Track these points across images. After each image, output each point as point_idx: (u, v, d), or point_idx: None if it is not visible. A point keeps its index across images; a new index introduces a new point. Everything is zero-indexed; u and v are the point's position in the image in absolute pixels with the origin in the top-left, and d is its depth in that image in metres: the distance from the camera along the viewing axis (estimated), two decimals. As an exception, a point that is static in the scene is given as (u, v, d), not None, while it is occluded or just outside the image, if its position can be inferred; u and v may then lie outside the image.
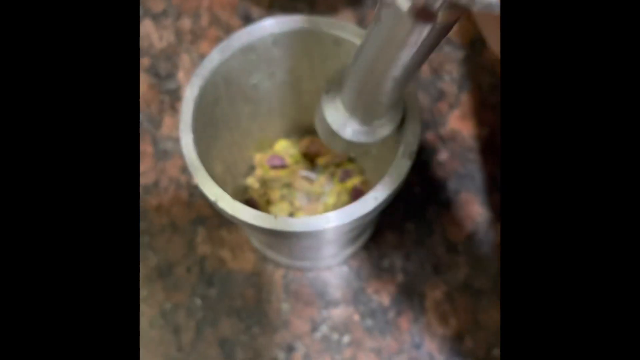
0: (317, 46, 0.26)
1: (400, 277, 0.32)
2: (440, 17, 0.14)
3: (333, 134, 0.23)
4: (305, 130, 0.33)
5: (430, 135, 0.35)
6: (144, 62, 0.38)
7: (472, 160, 0.35)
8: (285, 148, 0.33)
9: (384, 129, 0.23)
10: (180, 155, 0.35)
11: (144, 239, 0.33)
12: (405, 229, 0.33)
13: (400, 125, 0.23)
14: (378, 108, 0.21)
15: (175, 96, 0.37)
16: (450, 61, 0.37)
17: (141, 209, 0.34)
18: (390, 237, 0.33)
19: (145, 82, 0.37)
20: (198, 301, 0.32)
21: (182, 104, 0.24)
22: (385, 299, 0.31)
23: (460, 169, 0.34)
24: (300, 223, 0.22)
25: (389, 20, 0.16)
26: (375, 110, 0.21)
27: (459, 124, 0.36)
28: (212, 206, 0.33)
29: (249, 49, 0.26)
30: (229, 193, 0.23)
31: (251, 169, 0.33)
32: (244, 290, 0.32)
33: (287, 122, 0.33)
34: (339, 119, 0.22)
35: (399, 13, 0.15)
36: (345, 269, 0.32)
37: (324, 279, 0.32)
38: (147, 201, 0.34)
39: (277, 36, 0.26)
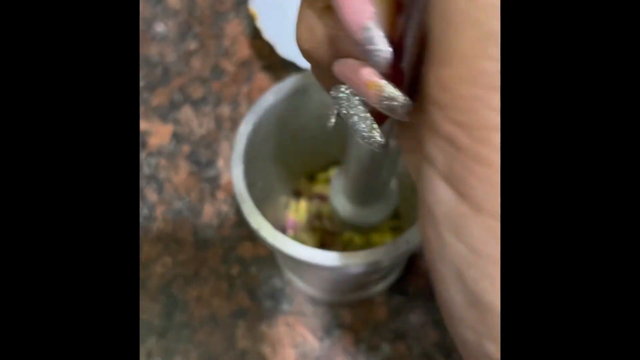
0: None
1: (443, 377, 0.31)
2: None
3: (337, 216, 0.27)
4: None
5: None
6: (184, 149, 0.39)
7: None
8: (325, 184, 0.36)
9: (377, 215, 0.27)
10: (221, 245, 0.35)
11: (184, 332, 0.33)
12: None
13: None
14: (369, 198, 0.25)
15: (215, 184, 0.37)
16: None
17: (181, 300, 0.34)
18: (433, 334, 0.33)
19: (185, 169, 0.38)
20: (239, 399, 0.31)
21: (236, 138, 0.26)
22: (428, 399, 0.31)
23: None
24: (336, 258, 0.23)
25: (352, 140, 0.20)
26: (367, 199, 0.26)
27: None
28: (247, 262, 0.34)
29: (301, 92, 0.28)
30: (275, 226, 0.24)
31: (289, 202, 0.35)
32: (285, 388, 0.31)
33: (328, 160, 0.35)
34: (341, 205, 0.27)
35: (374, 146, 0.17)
36: (387, 367, 0.32)
37: (366, 378, 0.31)
38: (188, 292, 0.34)
39: None
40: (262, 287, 0.34)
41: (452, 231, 0.11)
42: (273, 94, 0.27)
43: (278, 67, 0.42)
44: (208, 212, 0.36)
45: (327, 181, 0.35)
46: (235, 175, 0.25)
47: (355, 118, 0.14)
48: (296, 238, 0.34)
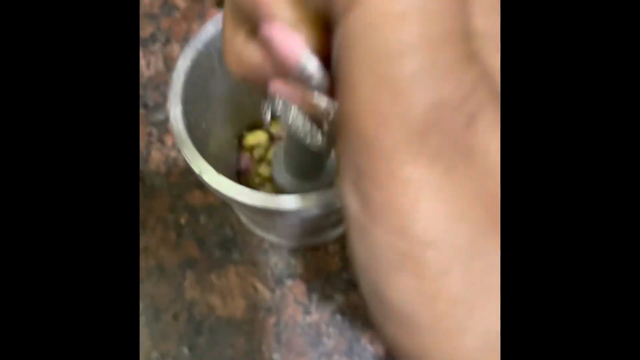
0: None
1: (396, 327, 0.31)
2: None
3: (280, 186, 0.28)
4: None
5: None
6: (131, 91, 0.36)
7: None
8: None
9: (319, 186, 0.27)
10: (169, 193, 0.33)
11: (129, 283, 0.32)
12: (402, 274, 0.32)
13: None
14: (307, 174, 0.26)
15: (163, 128, 0.35)
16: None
17: (127, 251, 0.32)
18: (387, 283, 0.32)
19: (131, 113, 0.36)
20: (186, 351, 0.30)
21: (173, 75, 0.23)
22: (381, 350, 0.30)
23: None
24: (286, 201, 0.21)
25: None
26: (305, 175, 0.26)
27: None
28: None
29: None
30: (221, 172, 0.22)
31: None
32: (234, 339, 0.30)
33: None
34: (283, 178, 0.27)
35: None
36: (339, 317, 0.31)
37: (318, 328, 0.31)
38: (133, 242, 0.32)
39: None
40: (212, 236, 0.33)
41: (357, 234, 0.12)
42: (213, 25, 0.24)
43: (233, 2, 0.39)
44: (155, 158, 0.34)
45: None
46: (174, 116, 0.23)
47: (294, 125, 0.15)
48: (253, 179, 0.32)
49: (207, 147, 0.27)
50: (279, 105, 0.15)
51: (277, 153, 0.28)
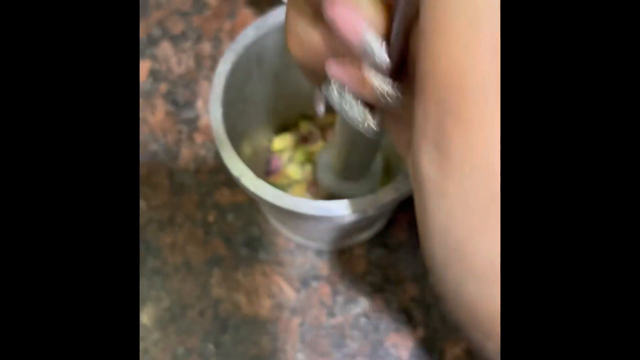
0: None
1: (420, 332, 0.31)
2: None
3: (323, 186, 0.29)
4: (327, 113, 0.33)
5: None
6: (162, 87, 0.37)
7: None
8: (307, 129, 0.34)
9: (363, 188, 0.28)
10: (198, 190, 0.34)
11: (157, 279, 0.32)
12: (427, 281, 0.32)
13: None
14: (355, 173, 0.26)
15: (193, 126, 0.35)
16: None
17: (154, 246, 0.33)
18: (412, 289, 0.32)
19: (162, 109, 0.36)
20: (211, 347, 0.31)
21: (214, 78, 0.24)
22: (403, 354, 0.30)
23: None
24: (322, 207, 0.21)
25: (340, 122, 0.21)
26: (353, 174, 0.26)
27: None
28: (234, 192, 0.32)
29: (283, 28, 0.26)
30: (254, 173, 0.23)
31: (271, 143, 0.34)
32: (259, 337, 0.31)
33: (311, 105, 0.33)
34: (328, 179, 0.28)
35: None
36: (363, 320, 0.31)
37: (342, 330, 0.31)
38: (161, 238, 0.33)
39: None
40: (238, 235, 0.33)
41: (437, 192, 0.12)
42: (253, 30, 0.25)
43: (263, 1, 0.39)
44: (185, 155, 0.35)
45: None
46: (214, 119, 0.23)
47: (349, 110, 0.15)
48: (282, 182, 0.33)
49: (241, 149, 0.27)
50: (334, 91, 0.15)
51: (322, 153, 0.28)
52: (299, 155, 0.33)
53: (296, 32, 0.15)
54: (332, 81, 0.15)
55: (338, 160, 0.25)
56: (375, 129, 0.15)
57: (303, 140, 0.33)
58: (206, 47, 0.38)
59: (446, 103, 0.11)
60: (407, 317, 0.31)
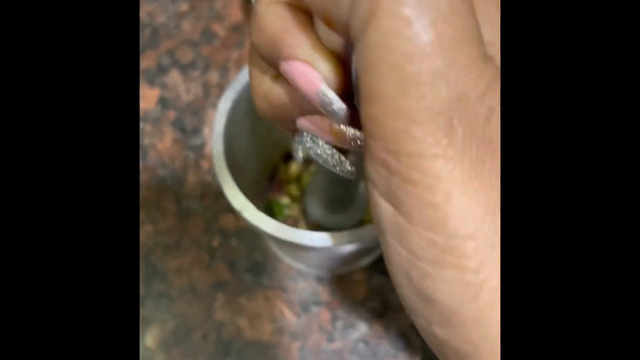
0: None
1: (418, 358, 0.31)
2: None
3: (312, 218, 0.30)
4: None
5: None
6: (170, 115, 0.38)
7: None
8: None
9: (350, 219, 0.29)
10: (203, 215, 0.35)
11: (162, 302, 0.33)
12: (426, 306, 0.33)
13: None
14: (339, 205, 0.27)
15: (199, 153, 0.37)
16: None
17: (161, 270, 0.34)
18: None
19: (170, 136, 0.37)
20: (214, 370, 0.31)
21: (216, 115, 0.25)
22: (401, 379, 0.31)
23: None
24: (319, 238, 0.22)
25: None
26: (338, 206, 0.27)
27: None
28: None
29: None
30: (254, 203, 0.24)
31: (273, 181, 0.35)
32: (260, 361, 0.32)
33: None
34: (315, 211, 0.29)
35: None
36: (362, 346, 0.32)
37: (341, 356, 0.32)
38: (168, 262, 0.34)
39: None
40: (242, 260, 0.34)
41: (395, 239, 0.13)
42: None
43: (270, 33, 0.40)
44: (191, 181, 0.36)
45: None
46: (216, 155, 0.24)
47: (323, 156, 0.16)
48: (281, 199, 0.34)
49: (242, 181, 0.28)
50: (308, 141, 0.16)
51: (309, 190, 0.29)
52: (301, 176, 0.34)
53: (262, 90, 0.15)
54: (304, 133, 0.16)
55: (322, 197, 0.26)
56: (351, 169, 0.16)
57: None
58: (214, 76, 0.39)
59: (389, 161, 0.12)
60: (405, 342, 0.32)
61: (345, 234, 0.22)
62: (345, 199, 0.27)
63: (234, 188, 0.23)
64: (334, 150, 0.16)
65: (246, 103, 0.26)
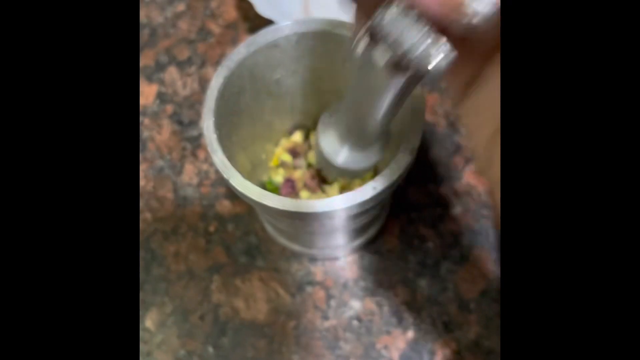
0: (337, 47, 0.28)
1: (410, 334, 0.32)
2: (411, 69, 0.14)
3: (327, 162, 0.25)
4: None
5: (445, 189, 0.36)
6: (168, 109, 0.39)
7: (487, 217, 0.35)
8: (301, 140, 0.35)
9: (371, 158, 0.25)
10: (200, 203, 0.36)
11: (161, 285, 0.34)
12: (418, 284, 0.33)
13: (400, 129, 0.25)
14: (365, 140, 0.24)
15: (196, 144, 0.38)
16: (466, 115, 0.38)
17: (159, 255, 0.35)
18: (403, 292, 0.33)
19: (168, 129, 0.38)
20: (211, 350, 0.32)
21: (207, 91, 0.26)
22: (395, 355, 0.32)
23: (474, 225, 0.35)
24: (305, 204, 0.23)
25: (367, 72, 0.17)
26: (363, 142, 0.24)
27: (474, 179, 0.36)
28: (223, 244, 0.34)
29: (273, 46, 0.28)
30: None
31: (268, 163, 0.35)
32: (256, 340, 0.32)
33: (307, 119, 0.34)
34: (332, 148, 0.25)
35: (376, 67, 0.16)
36: (355, 322, 0.32)
37: (335, 333, 0.32)
38: (166, 247, 0.35)
39: (300, 35, 0.27)
40: (238, 243, 0.35)
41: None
42: (245, 47, 0.27)
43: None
44: (188, 170, 0.37)
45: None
46: (206, 127, 0.25)
47: (408, 38, 0.13)
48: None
49: (238, 159, 0.29)
50: (394, 12, 0.13)
51: (327, 119, 0.25)
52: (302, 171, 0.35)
53: None
54: (395, 3, 0.13)
55: (349, 121, 0.23)
56: (444, 54, 0.13)
57: (293, 154, 0.35)
58: (210, 71, 0.40)
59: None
60: (398, 319, 0.32)
61: (348, 196, 0.23)
62: (370, 134, 0.23)
63: (223, 157, 0.24)
64: (427, 31, 0.13)
65: (238, 82, 0.27)
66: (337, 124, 0.24)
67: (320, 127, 0.25)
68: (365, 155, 0.25)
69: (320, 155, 0.26)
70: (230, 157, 0.25)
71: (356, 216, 0.26)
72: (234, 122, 0.28)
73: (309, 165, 0.34)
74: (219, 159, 0.24)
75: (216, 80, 0.26)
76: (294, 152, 0.34)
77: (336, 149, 0.25)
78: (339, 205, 0.23)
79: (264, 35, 0.27)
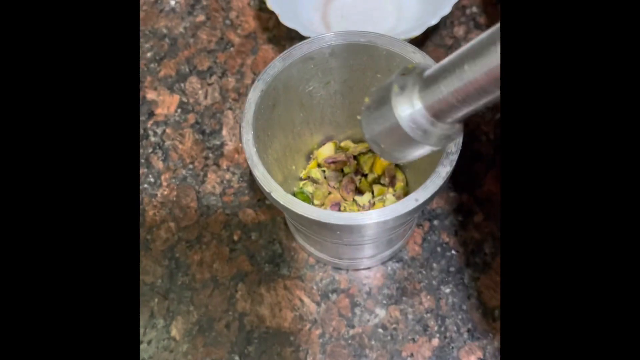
0: (370, 59, 0.28)
1: (435, 341, 0.32)
2: None
3: (393, 131, 0.22)
4: (354, 139, 0.35)
5: (465, 197, 0.36)
6: (190, 118, 0.40)
7: (509, 224, 0.35)
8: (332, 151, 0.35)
9: (449, 135, 0.22)
10: (223, 211, 0.36)
11: (186, 294, 0.34)
12: (442, 291, 0.33)
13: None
14: (459, 113, 0.20)
15: (218, 153, 0.38)
16: (486, 123, 0.38)
17: (184, 263, 0.35)
18: (427, 301, 0.33)
19: (190, 138, 0.39)
20: (237, 358, 0.32)
21: (245, 106, 0.26)
22: (420, 363, 0.32)
23: (496, 232, 0.35)
24: (345, 217, 0.23)
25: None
26: (455, 114, 0.21)
27: (495, 186, 0.36)
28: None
29: (308, 59, 0.28)
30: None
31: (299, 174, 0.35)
32: (282, 349, 0.32)
33: (335, 130, 0.35)
34: (412, 115, 0.21)
35: None
36: (380, 330, 0.33)
37: (361, 340, 0.32)
38: (190, 256, 0.35)
39: (334, 48, 0.28)
40: (262, 252, 0.35)
41: None
42: (280, 61, 0.27)
43: (282, 39, 0.42)
44: (211, 179, 0.37)
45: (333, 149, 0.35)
46: (245, 141, 0.25)
47: None
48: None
49: (273, 174, 0.29)
50: None
51: (403, 86, 0.22)
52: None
53: None
54: None
55: (450, 95, 0.20)
56: None
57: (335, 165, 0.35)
58: (230, 81, 0.41)
59: None
60: (422, 327, 0.33)
61: (386, 210, 0.23)
62: None
63: (264, 171, 0.24)
64: None
65: (273, 94, 0.28)
66: (431, 92, 0.21)
67: (396, 93, 0.21)
68: (442, 131, 0.22)
69: (388, 126, 0.22)
70: (268, 170, 0.25)
71: (393, 228, 0.26)
72: (268, 135, 0.29)
73: (345, 174, 0.34)
74: (260, 172, 0.24)
75: (253, 94, 0.26)
76: (335, 162, 0.34)
77: (413, 118, 0.21)
78: (388, 215, 0.23)
79: (299, 49, 0.27)
